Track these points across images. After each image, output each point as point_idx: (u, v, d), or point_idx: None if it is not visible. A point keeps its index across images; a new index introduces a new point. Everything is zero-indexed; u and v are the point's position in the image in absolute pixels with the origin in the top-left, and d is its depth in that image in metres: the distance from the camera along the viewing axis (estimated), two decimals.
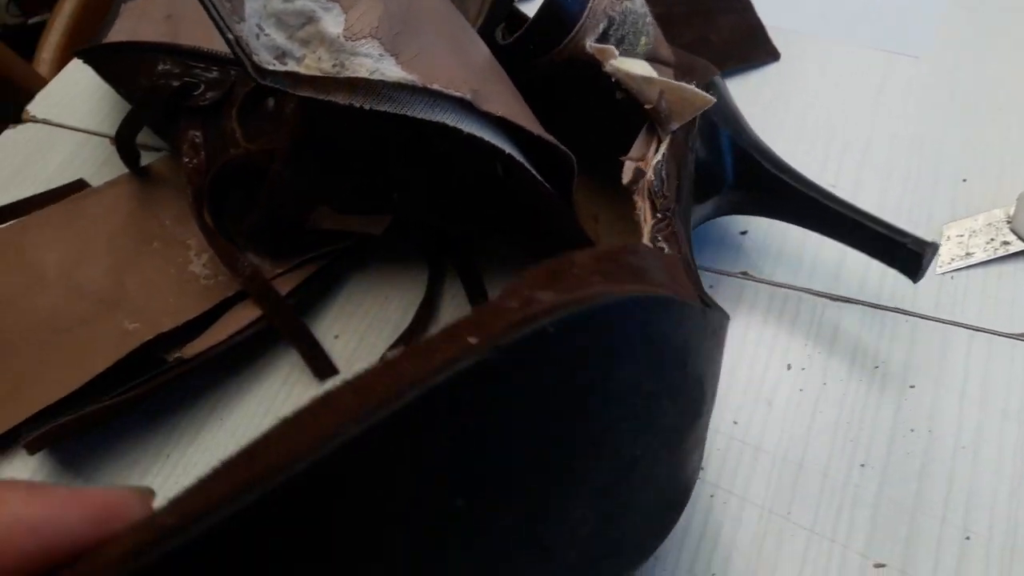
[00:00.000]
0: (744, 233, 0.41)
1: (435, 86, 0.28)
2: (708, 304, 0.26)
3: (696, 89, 0.32)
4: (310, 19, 0.29)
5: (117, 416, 0.37)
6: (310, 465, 0.15)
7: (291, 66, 0.28)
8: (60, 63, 0.75)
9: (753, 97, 0.45)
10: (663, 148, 0.33)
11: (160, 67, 0.42)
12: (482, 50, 0.33)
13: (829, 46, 0.48)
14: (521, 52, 0.34)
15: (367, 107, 0.27)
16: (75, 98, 0.52)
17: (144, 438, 0.37)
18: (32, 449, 0.33)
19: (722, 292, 0.39)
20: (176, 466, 0.36)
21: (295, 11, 0.29)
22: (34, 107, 0.52)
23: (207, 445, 0.37)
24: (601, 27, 0.34)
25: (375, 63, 0.28)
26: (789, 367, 0.36)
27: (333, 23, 0.29)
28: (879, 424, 0.35)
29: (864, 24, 0.49)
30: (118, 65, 0.45)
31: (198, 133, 0.40)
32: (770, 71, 0.47)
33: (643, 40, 0.37)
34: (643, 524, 0.26)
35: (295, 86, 0.28)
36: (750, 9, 0.48)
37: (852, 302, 0.38)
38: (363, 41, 0.29)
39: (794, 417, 0.35)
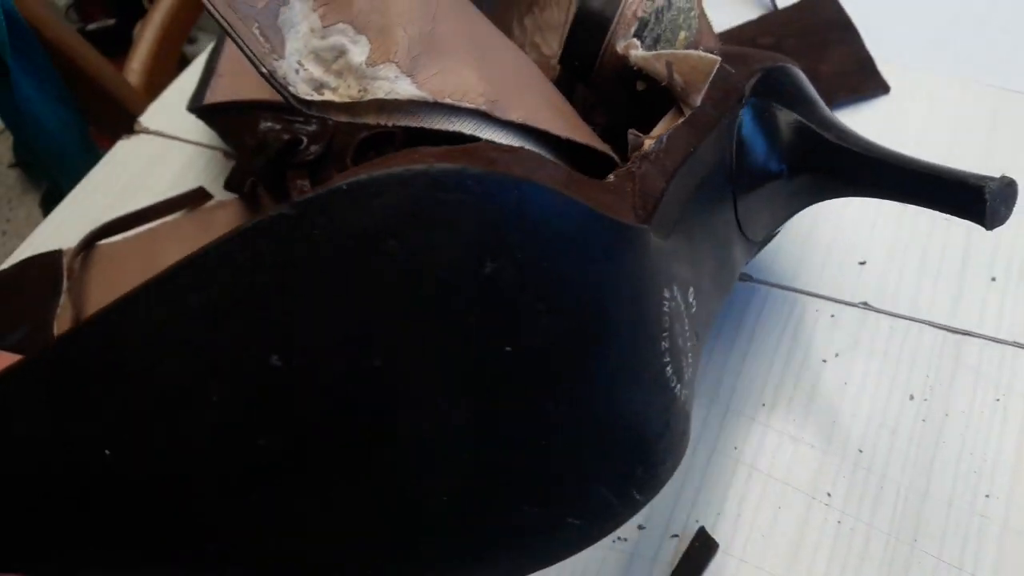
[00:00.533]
0: (863, 264, 0.41)
1: (447, 100, 0.30)
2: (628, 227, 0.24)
3: (702, 53, 0.32)
4: (341, 53, 0.32)
5: None
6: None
7: (327, 95, 0.31)
8: (150, 73, 0.76)
9: (861, 130, 0.46)
10: (677, 122, 0.32)
11: (262, 125, 0.44)
12: (513, 61, 0.34)
13: (940, 81, 0.49)
14: (572, 71, 0.36)
15: (391, 124, 0.30)
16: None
17: None
18: None
19: (843, 321, 0.40)
20: None
21: (330, 47, 0.32)
22: (147, 119, 0.53)
23: None
24: (633, 29, 0.36)
25: (391, 84, 0.31)
26: (912, 398, 0.37)
27: (359, 54, 0.32)
28: (1002, 455, 0.35)
29: (976, 59, 0.49)
30: (223, 122, 0.46)
31: (306, 182, 0.42)
32: (879, 104, 0.48)
33: (682, 35, 0.39)
34: (574, 460, 0.24)
35: (334, 112, 0.31)
36: (860, 42, 0.49)
37: (972, 335, 0.39)
38: (381, 66, 0.31)
39: (918, 447, 0.36)
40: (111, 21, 1.46)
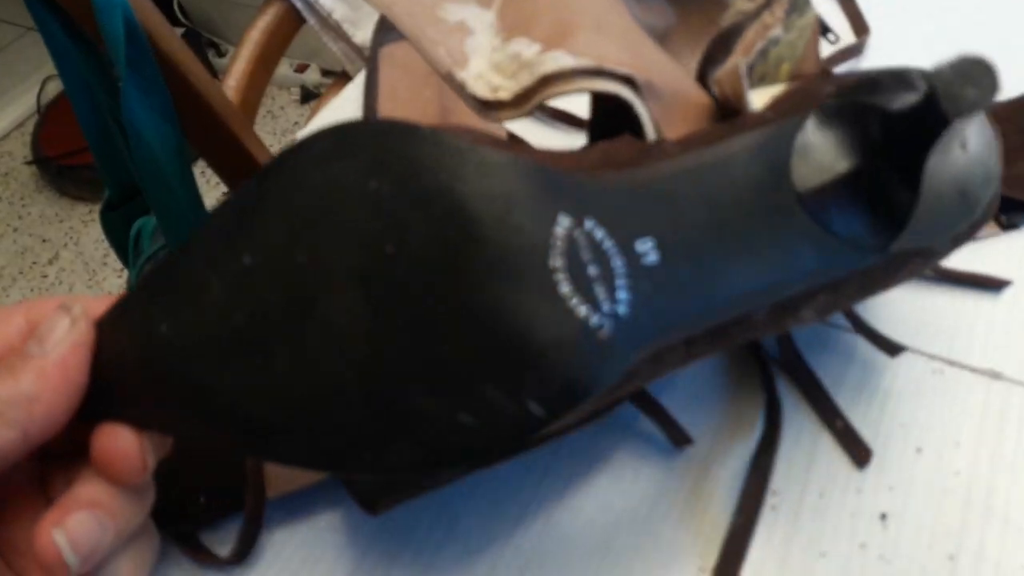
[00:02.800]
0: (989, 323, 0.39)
1: (606, 67, 0.34)
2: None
3: (737, 60, 0.36)
4: (517, 56, 0.36)
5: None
6: None
7: (502, 95, 0.35)
8: (246, 90, 0.77)
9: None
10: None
11: None
12: (662, 58, 0.39)
13: None
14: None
15: (556, 94, 0.34)
16: None
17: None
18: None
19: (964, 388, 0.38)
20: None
21: (508, 57, 0.37)
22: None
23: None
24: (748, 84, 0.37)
25: (556, 62, 0.35)
26: None
27: (529, 48, 0.37)
28: None
29: None
30: None
31: None
32: None
33: (785, 67, 0.41)
34: (458, 353, 0.27)
35: (505, 112, 0.35)
36: None
37: None
38: (551, 51, 0.36)
39: None
40: None
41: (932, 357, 0.41)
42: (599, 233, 0.29)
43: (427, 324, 0.27)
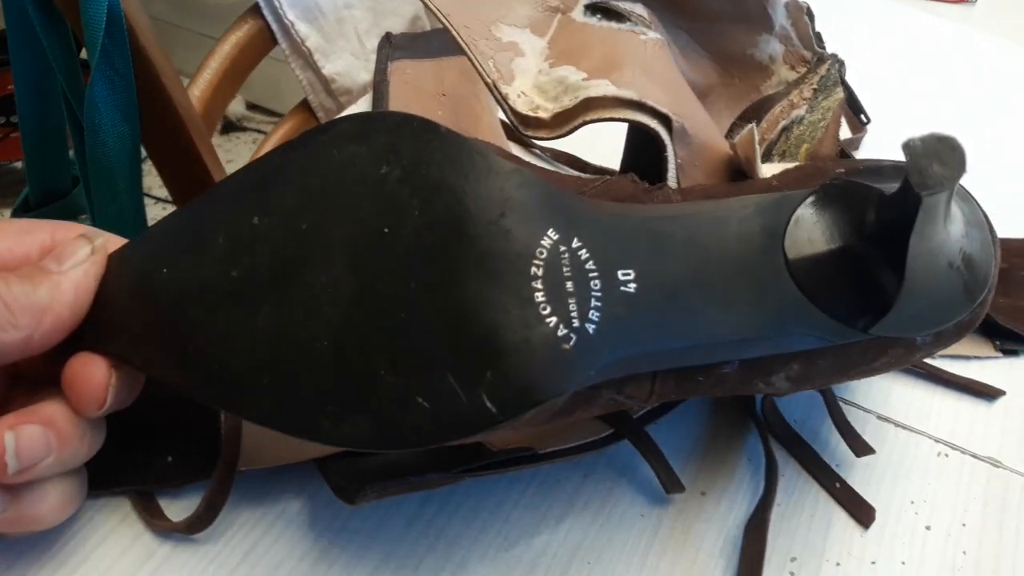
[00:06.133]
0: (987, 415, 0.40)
1: (648, 101, 0.37)
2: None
3: (748, 132, 0.37)
4: (563, 80, 0.38)
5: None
6: None
7: (541, 114, 0.37)
8: (209, 102, 0.73)
9: None
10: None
11: None
12: (700, 110, 0.41)
13: None
14: None
15: (594, 118, 0.37)
16: None
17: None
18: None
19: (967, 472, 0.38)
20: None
21: (554, 80, 0.39)
22: None
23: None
24: (761, 151, 0.39)
25: (603, 90, 0.37)
26: None
27: (575, 75, 0.38)
28: None
29: None
30: None
31: None
32: None
33: (804, 147, 0.43)
34: (426, 339, 0.29)
35: (544, 130, 0.37)
36: None
37: None
38: (597, 79, 0.38)
39: None
40: None
41: (937, 440, 0.42)
42: (583, 254, 0.30)
43: (403, 304, 0.29)
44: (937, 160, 0.28)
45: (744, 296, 0.31)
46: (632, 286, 0.30)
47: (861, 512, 0.38)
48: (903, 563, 0.37)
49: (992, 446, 0.42)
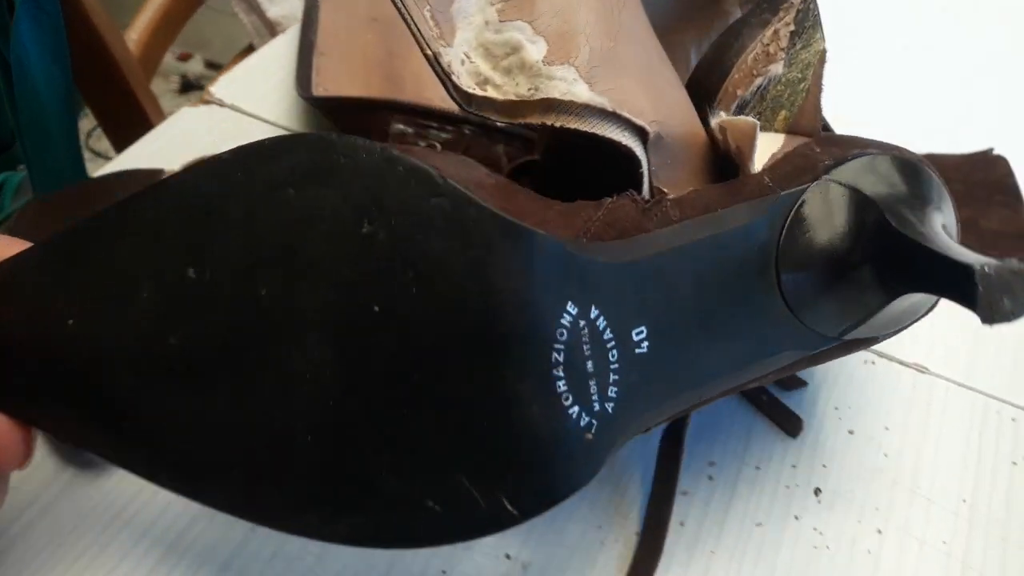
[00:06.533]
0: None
1: (624, 112, 0.30)
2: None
3: (744, 117, 0.31)
4: (515, 49, 0.32)
5: None
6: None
7: (491, 92, 0.31)
8: (147, 46, 0.72)
9: None
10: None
11: (394, 127, 0.42)
12: (675, 92, 0.34)
13: None
14: None
15: (558, 124, 0.30)
16: (267, 87, 0.51)
17: None
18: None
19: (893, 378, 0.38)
20: None
21: (503, 41, 0.32)
22: (218, 90, 0.50)
23: None
24: (734, 106, 0.35)
25: (568, 86, 0.30)
26: None
27: (536, 52, 0.32)
28: None
29: None
30: (344, 117, 0.44)
31: None
32: None
33: (783, 114, 0.38)
34: (435, 437, 0.25)
35: (494, 112, 0.31)
36: (1021, 211, 0.47)
37: None
38: (559, 67, 0.31)
39: None
40: None
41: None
42: (601, 322, 0.27)
43: (404, 396, 0.25)
44: (1009, 294, 0.26)
45: (743, 324, 0.29)
46: (645, 345, 0.28)
47: (789, 423, 0.38)
48: (824, 466, 0.37)
49: (920, 353, 0.41)
